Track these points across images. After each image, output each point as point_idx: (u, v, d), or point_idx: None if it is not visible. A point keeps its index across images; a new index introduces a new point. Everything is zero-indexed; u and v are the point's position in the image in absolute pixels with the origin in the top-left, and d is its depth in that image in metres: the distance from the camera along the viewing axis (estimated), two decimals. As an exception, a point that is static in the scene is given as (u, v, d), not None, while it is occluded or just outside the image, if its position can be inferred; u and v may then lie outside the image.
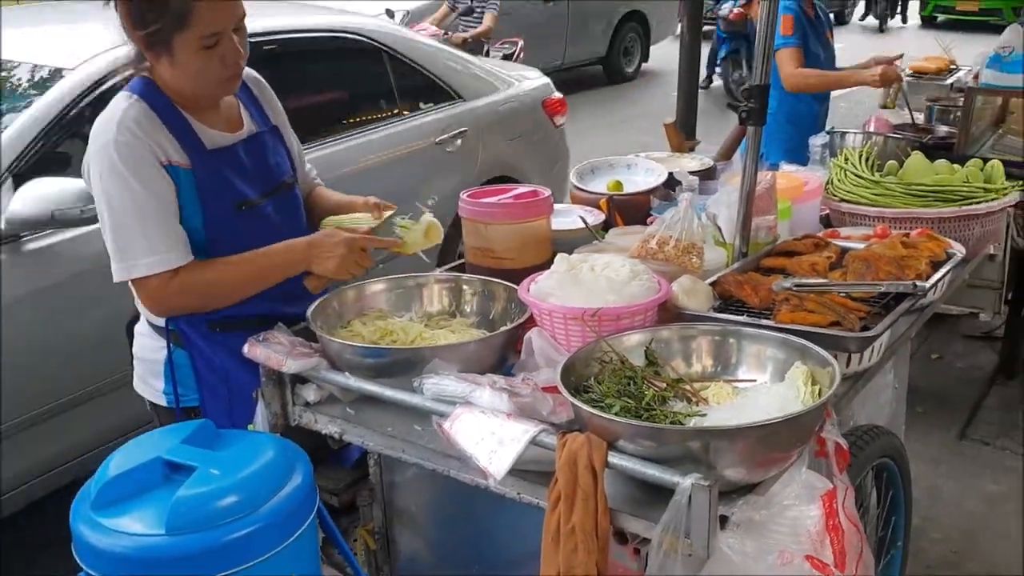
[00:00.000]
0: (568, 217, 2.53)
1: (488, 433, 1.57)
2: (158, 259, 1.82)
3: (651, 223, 2.29)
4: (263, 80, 2.12)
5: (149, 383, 2.06)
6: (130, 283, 1.90)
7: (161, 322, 1.97)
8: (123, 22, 1.83)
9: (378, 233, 2.03)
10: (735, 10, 10.17)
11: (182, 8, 1.76)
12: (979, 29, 13.42)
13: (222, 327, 1.96)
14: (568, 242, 2.33)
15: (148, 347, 2.04)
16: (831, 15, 4.58)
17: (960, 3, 16.12)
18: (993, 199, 2.54)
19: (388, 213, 2.07)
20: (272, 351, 1.85)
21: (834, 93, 4.42)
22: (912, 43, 13.82)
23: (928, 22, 16.80)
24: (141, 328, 2.05)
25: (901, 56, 4.26)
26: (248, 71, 2.01)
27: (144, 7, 1.77)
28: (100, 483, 1.57)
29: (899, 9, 17.59)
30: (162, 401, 2.03)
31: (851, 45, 14.47)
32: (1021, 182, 2.79)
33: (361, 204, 2.13)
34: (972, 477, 3.57)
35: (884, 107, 4.39)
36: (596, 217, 2.54)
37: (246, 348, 1.87)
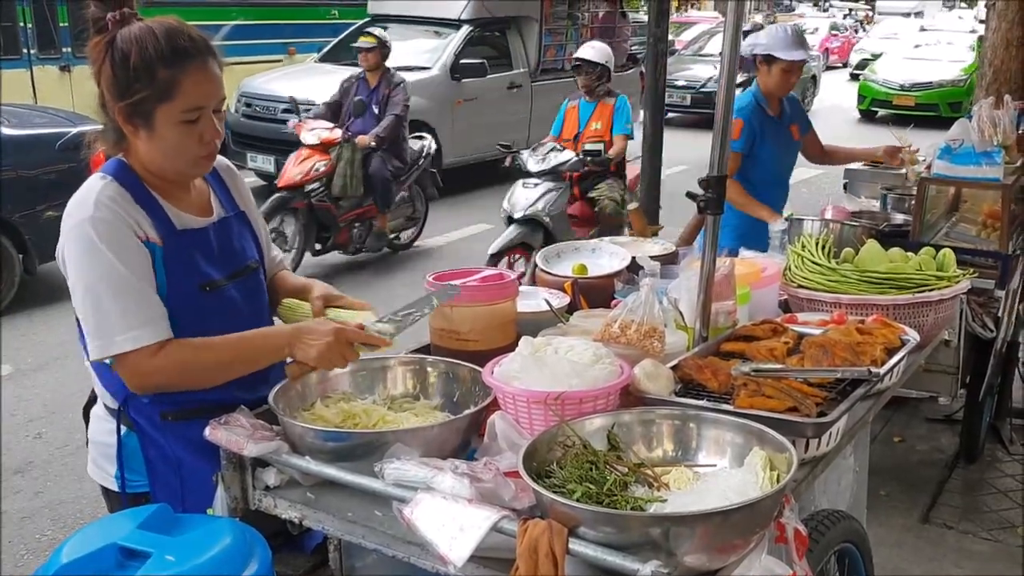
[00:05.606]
0: (533, 299, 2.56)
1: (449, 519, 1.56)
2: (136, 334, 1.80)
3: (615, 306, 2.32)
4: (232, 167, 2.16)
5: (102, 467, 2.03)
6: (90, 364, 1.88)
7: (115, 405, 1.95)
8: (105, 92, 1.85)
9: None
10: None
11: (169, 80, 1.80)
12: (918, 124, 13.78)
13: (175, 416, 1.94)
14: (533, 324, 2.35)
15: (102, 430, 2.01)
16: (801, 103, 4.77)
17: (897, 98, 16.46)
18: (946, 287, 2.60)
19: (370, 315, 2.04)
20: (233, 434, 1.84)
21: (795, 179, 4.57)
22: (858, 135, 14.19)
23: (867, 116, 16.97)
24: (97, 411, 2.03)
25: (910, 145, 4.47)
26: (220, 159, 2.04)
27: (131, 76, 1.80)
28: (51, 572, 1.53)
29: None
30: (113, 486, 2.00)
31: (820, 131, 14.86)
32: (972, 269, 2.87)
33: (317, 288, 2.14)
34: (935, 561, 3.58)
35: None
36: (561, 300, 2.57)
37: (208, 431, 1.86)
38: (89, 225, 1.80)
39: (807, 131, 4.48)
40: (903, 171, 4.56)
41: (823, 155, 4.63)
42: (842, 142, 4.76)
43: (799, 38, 4.16)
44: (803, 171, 4.85)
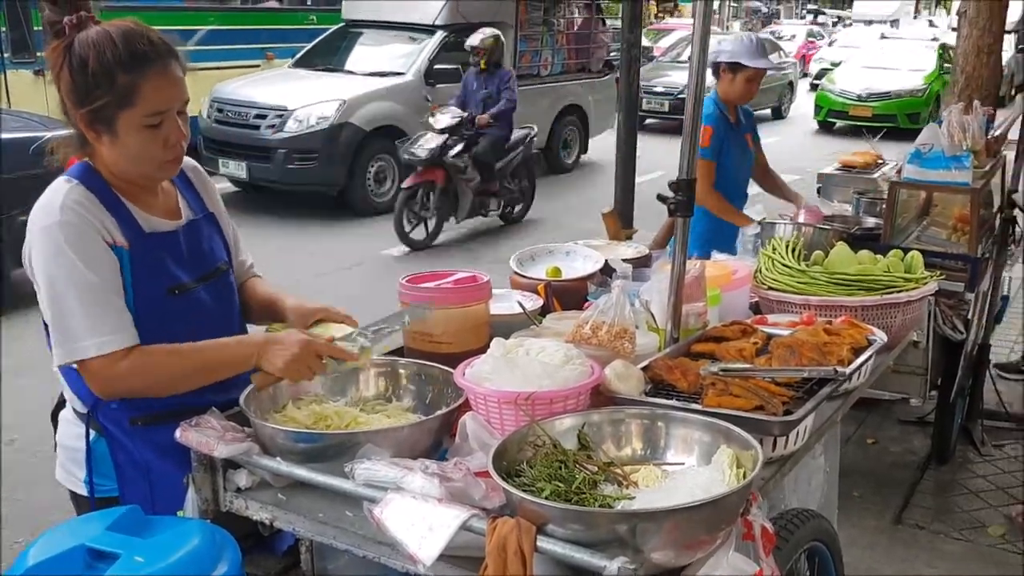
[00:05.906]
0: (507, 302, 2.57)
1: (418, 519, 1.57)
2: (101, 341, 1.79)
3: (587, 308, 2.34)
4: (200, 167, 2.14)
5: (70, 471, 2.01)
6: (58, 369, 1.86)
7: (84, 409, 1.94)
8: (65, 99, 1.83)
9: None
10: None
11: (128, 85, 1.78)
12: (879, 136, 13.72)
13: (144, 421, 1.92)
14: (506, 326, 2.37)
15: (71, 434, 1.99)
16: (756, 114, 4.77)
17: (853, 108, 16.00)
18: (913, 288, 2.64)
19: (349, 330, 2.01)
20: (204, 436, 1.83)
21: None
22: (816, 146, 14.23)
23: (825, 127, 16.64)
24: (66, 414, 2.02)
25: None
26: (187, 160, 2.02)
27: (90, 82, 1.78)
28: (18, 573, 1.52)
29: None
30: (82, 490, 1.98)
31: (789, 138, 14.97)
32: (939, 271, 2.91)
33: (289, 302, 2.11)
34: (907, 562, 3.61)
35: None
36: (534, 302, 2.59)
37: (178, 433, 1.85)
38: (57, 229, 1.78)
39: (757, 142, 4.50)
40: (875, 175, 4.61)
41: (764, 174, 4.58)
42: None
43: (763, 47, 4.22)
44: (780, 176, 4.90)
